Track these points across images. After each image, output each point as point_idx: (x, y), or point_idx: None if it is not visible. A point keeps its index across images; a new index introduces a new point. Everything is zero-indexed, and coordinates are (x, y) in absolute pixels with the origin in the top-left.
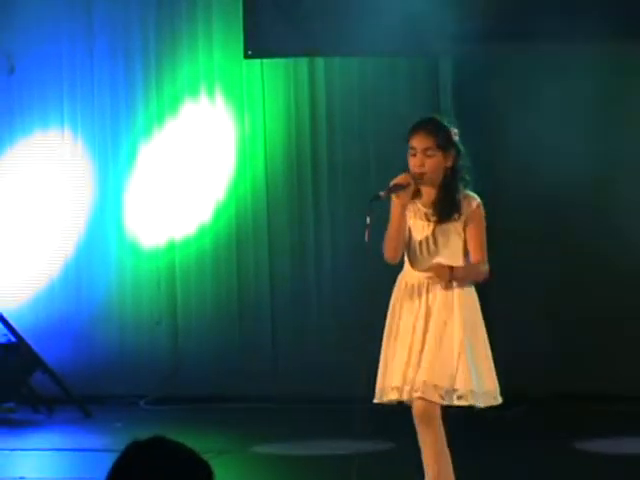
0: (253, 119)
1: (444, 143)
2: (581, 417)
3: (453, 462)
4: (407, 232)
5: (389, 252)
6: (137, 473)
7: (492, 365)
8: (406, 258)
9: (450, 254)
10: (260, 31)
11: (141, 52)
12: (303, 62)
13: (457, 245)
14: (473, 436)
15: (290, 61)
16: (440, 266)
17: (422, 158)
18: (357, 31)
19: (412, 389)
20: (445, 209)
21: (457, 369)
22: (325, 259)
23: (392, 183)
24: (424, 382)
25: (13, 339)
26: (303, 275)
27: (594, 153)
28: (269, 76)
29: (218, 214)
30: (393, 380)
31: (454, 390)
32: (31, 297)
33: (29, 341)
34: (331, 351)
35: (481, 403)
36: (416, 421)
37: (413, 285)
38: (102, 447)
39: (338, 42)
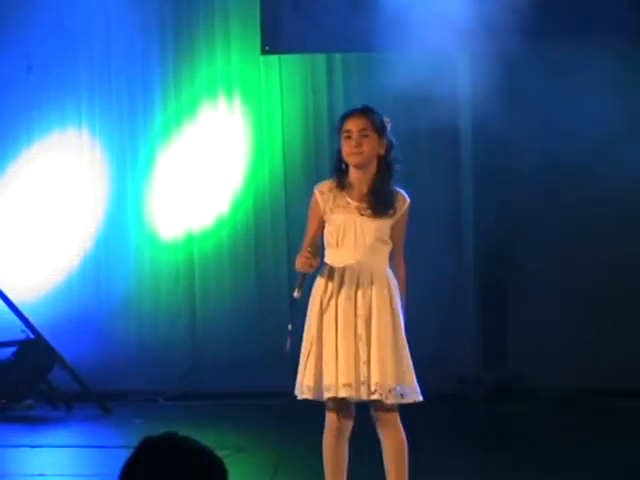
0: (271, 117)
1: (379, 126)
2: None
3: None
4: (330, 226)
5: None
6: (149, 469)
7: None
8: (329, 252)
9: (382, 251)
10: (277, 27)
11: (159, 52)
12: (321, 59)
13: (387, 242)
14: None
15: (308, 58)
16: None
17: (359, 138)
18: (374, 27)
19: (369, 390)
20: (380, 202)
21: (403, 365)
22: None
23: (300, 274)
24: (379, 383)
25: (32, 335)
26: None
27: (617, 151)
28: (287, 74)
29: (236, 208)
30: (345, 377)
31: (401, 387)
32: (49, 292)
33: (47, 337)
34: None
35: (416, 399)
36: (392, 425)
37: (347, 280)
38: (121, 444)
39: (356, 38)
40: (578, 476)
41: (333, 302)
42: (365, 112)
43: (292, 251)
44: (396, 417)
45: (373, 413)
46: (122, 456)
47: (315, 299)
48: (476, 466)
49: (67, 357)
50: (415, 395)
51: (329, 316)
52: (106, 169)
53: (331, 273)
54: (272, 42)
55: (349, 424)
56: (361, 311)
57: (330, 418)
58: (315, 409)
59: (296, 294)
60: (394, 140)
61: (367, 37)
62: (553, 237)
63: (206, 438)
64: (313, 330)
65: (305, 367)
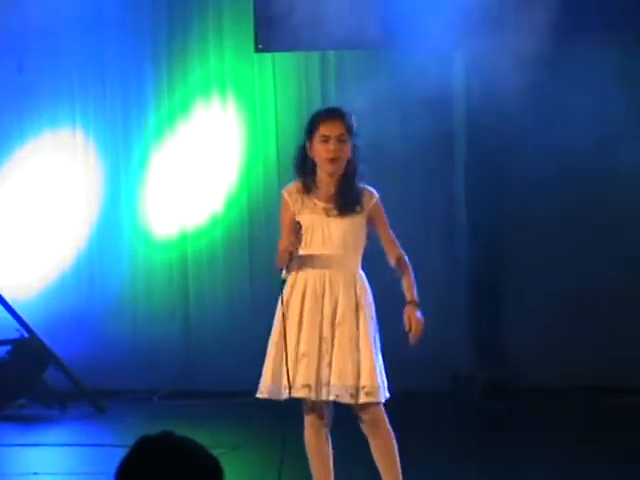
0: (265, 116)
1: (352, 129)
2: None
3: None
4: (302, 231)
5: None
6: (146, 468)
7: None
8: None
9: (352, 249)
10: (271, 25)
11: (152, 51)
12: (314, 57)
13: (359, 239)
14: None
15: (301, 56)
16: (417, 321)
17: (337, 144)
18: (368, 25)
19: (326, 390)
20: (347, 202)
21: (366, 365)
22: None
23: (285, 255)
24: (336, 385)
25: (26, 334)
26: None
27: (610, 147)
28: (280, 72)
29: (230, 206)
30: (304, 378)
31: (362, 387)
32: (43, 291)
33: (41, 335)
34: None
35: (381, 398)
36: (380, 424)
37: (315, 281)
38: (115, 443)
39: (349, 36)
40: (573, 473)
41: (299, 303)
42: (341, 116)
43: None
44: (379, 417)
45: (356, 414)
46: (116, 455)
47: (281, 301)
48: (471, 464)
49: (61, 356)
50: (379, 395)
51: (293, 317)
52: (100, 169)
53: (298, 274)
54: (265, 40)
55: (325, 422)
56: (327, 312)
57: (307, 415)
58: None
59: (284, 275)
60: (358, 141)
61: (360, 35)
62: (547, 234)
63: (200, 436)
64: (277, 331)
65: (265, 367)
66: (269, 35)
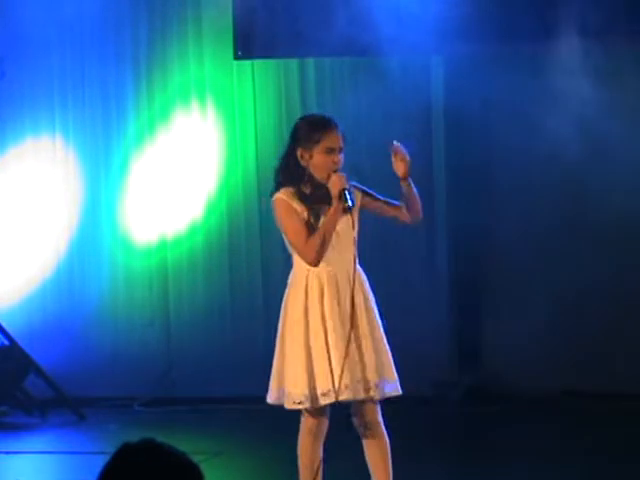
0: (244, 123)
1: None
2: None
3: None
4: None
5: (321, 256)
6: (127, 476)
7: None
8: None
9: (353, 246)
10: (250, 32)
11: (132, 58)
12: (294, 64)
13: (354, 234)
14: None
15: (280, 63)
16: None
17: (338, 156)
18: (347, 32)
19: (365, 388)
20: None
21: (383, 359)
22: None
23: (344, 188)
24: (373, 380)
25: (6, 342)
26: None
27: (589, 148)
28: (260, 79)
29: (210, 213)
30: (343, 380)
31: (383, 381)
32: (23, 299)
33: (22, 343)
34: None
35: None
36: (377, 423)
37: (330, 283)
38: (96, 450)
39: (328, 43)
40: (556, 477)
41: (318, 307)
42: (338, 126)
43: (266, 257)
44: (378, 415)
45: (357, 413)
46: (97, 462)
47: (295, 306)
48: (453, 469)
49: (42, 364)
50: (396, 389)
51: (315, 321)
52: (79, 176)
53: (309, 278)
54: (245, 47)
55: (326, 426)
56: (346, 311)
57: (309, 421)
58: (289, 413)
59: (350, 204)
60: None
61: (340, 42)
62: (529, 238)
63: (181, 443)
64: (300, 337)
65: (296, 375)
66: (248, 42)
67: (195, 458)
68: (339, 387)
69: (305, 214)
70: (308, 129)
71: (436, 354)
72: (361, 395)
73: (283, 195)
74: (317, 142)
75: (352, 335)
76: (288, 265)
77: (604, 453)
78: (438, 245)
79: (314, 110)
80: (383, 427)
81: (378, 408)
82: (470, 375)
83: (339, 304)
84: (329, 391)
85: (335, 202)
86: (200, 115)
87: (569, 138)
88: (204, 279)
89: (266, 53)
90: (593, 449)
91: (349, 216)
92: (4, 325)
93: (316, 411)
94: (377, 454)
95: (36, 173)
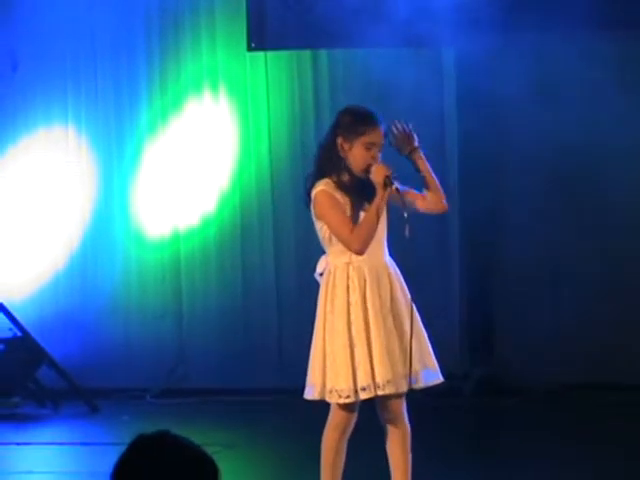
0: (257, 113)
1: None
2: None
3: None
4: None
5: (368, 244)
6: (143, 467)
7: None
8: (339, 251)
9: (384, 243)
10: (263, 24)
11: (144, 49)
12: (306, 55)
13: (384, 230)
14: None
15: (293, 55)
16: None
17: (378, 152)
18: (360, 23)
19: (412, 380)
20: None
21: (425, 349)
22: None
23: (387, 175)
24: (418, 371)
25: (19, 333)
26: (309, 265)
27: (599, 140)
28: (273, 70)
29: (223, 205)
30: (387, 373)
31: (426, 371)
32: (36, 291)
33: (35, 335)
34: None
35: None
36: (402, 416)
37: (367, 276)
38: (109, 441)
39: (341, 34)
40: (568, 469)
41: (360, 301)
42: (382, 122)
43: (279, 249)
44: (404, 408)
45: (382, 405)
46: (109, 453)
47: (337, 300)
48: (464, 462)
49: (54, 355)
50: (438, 377)
51: (358, 316)
52: (92, 167)
53: (350, 272)
54: (258, 39)
55: (354, 422)
56: (386, 305)
57: (342, 415)
58: (302, 405)
59: (398, 186)
60: None
61: (352, 34)
62: (541, 230)
63: (193, 435)
64: (343, 331)
65: (341, 369)
66: (261, 34)
67: (208, 450)
68: (381, 381)
69: (347, 205)
70: (352, 120)
71: (447, 346)
72: (404, 388)
73: (325, 187)
74: (360, 135)
75: (394, 328)
76: (300, 258)
77: (618, 445)
78: (450, 237)
79: (326, 100)
80: (407, 421)
81: (404, 401)
82: (482, 367)
83: (380, 297)
84: (369, 385)
85: (380, 190)
86: (213, 105)
87: (580, 127)
88: (217, 272)
89: (279, 45)
90: (607, 440)
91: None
92: (17, 316)
93: (348, 406)
94: (399, 448)
95: (48, 164)
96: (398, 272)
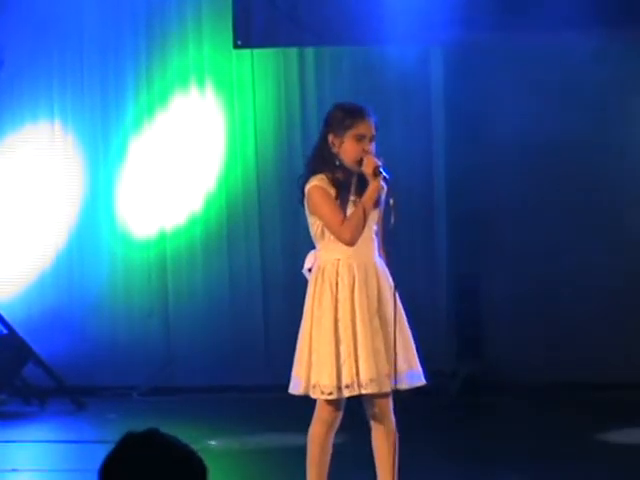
0: (243, 110)
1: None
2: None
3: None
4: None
5: (358, 234)
6: (131, 465)
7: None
8: (329, 246)
9: (374, 240)
10: (249, 21)
11: (131, 44)
12: (293, 53)
13: (374, 230)
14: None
15: (280, 52)
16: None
17: (370, 144)
18: (347, 21)
19: (396, 380)
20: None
21: (412, 350)
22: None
23: (378, 166)
24: (401, 371)
25: (4, 330)
26: (295, 264)
27: (586, 139)
28: (259, 67)
29: (209, 204)
30: (370, 372)
31: (410, 372)
32: (23, 289)
33: (21, 333)
34: None
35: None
36: (387, 414)
37: (355, 273)
38: (95, 439)
39: (328, 32)
40: (553, 468)
41: (349, 298)
42: (371, 114)
43: (265, 247)
44: (391, 407)
45: (370, 403)
46: (96, 451)
47: (324, 296)
48: (451, 460)
49: (41, 353)
50: (421, 379)
51: (345, 313)
52: (78, 163)
53: (340, 268)
54: (244, 37)
55: (340, 418)
56: (374, 305)
57: (328, 411)
58: (289, 403)
59: (387, 176)
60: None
61: (339, 31)
62: (528, 227)
63: (181, 433)
64: (329, 328)
65: (325, 366)
66: (247, 31)
67: (194, 447)
68: (364, 380)
69: (341, 201)
70: (340, 115)
71: (434, 344)
72: (387, 388)
73: (318, 182)
74: (348, 128)
75: (380, 328)
76: (287, 256)
77: (603, 443)
78: (437, 235)
79: (313, 99)
80: (393, 419)
81: (389, 400)
82: (468, 365)
83: (368, 297)
84: (353, 383)
85: (372, 180)
86: (199, 100)
87: (570, 126)
88: (203, 271)
89: (265, 42)
90: (593, 439)
91: (375, 210)
92: (3, 314)
93: (333, 402)
94: (384, 445)
95: (35, 160)
96: (387, 272)
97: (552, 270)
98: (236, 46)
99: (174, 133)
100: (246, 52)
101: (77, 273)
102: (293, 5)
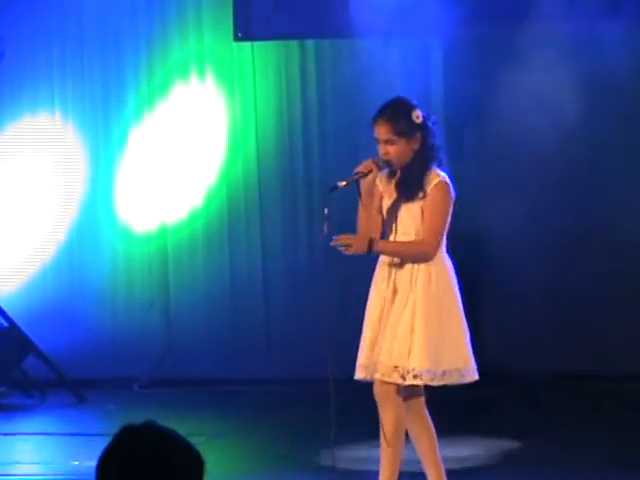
0: (244, 102)
1: (405, 130)
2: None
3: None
4: (383, 212)
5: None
6: (128, 458)
7: (463, 342)
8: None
9: (409, 232)
10: (250, 14)
11: (131, 35)
12: (294, 44)
13: (413, 226)
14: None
15: (281, 43)
16: (356, 238)
17: (385, 147)
18: (348, 13)
19: (374, 369)
20: (406, 189)
21: (413, 347)
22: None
23: (355, 171)
24: (382, 362)
25: (5, 323)
26: (295, 257)
27: (585, 134)
28: (260, 59)
29: (210, 198)
30: (361, 358)
31: (412, 369)
32: (24, 282)
33: (22, 326)
34: (325, 333)
35: (440, 382)
36: (386, 403)
37: (384, 263)
38: (95, 431)
39: (328, 24)
40: (555, 460)
41: (374, 287)
42: (389, 119)
43: (266, 241)
44: (422, 402)
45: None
46: (97, 443)
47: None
48: (452, 451)
49: (41, 346)
50: (428, 378)
51: (369, 300)
52: (79, 155)
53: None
54: (245, 29)
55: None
56: (389, 295)
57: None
58: (290, 394)
59: (342, 184)
60: (431, 127)
61: (339, 24)
62: (524, 226)
63: (180, 425)
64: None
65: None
66: (248, 24)
67: (194, 440)
68: (358, 364)
69: (382, 192)
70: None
71: None
72: (378, 377)
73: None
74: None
75: (383, 318)
76: (287, 251)
77: (599, 435)
78: None
79: (313, 90)
80: (423, 416)
81: (389, 390)
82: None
83: (379, 287)
84: (359, 366)
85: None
86: (200, 91)
87: (569, 122)
88: (204, 264)
89: (266, 35)
90: (593, 431)
91: (420, 204)
92: (3, 307)
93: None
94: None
95: (35, 152)
96: (423, 270)
97: (555, 266)
98: (236, 39)
99: (174, 125)
100: (247, 43)
101: (77, 266)
102: None
